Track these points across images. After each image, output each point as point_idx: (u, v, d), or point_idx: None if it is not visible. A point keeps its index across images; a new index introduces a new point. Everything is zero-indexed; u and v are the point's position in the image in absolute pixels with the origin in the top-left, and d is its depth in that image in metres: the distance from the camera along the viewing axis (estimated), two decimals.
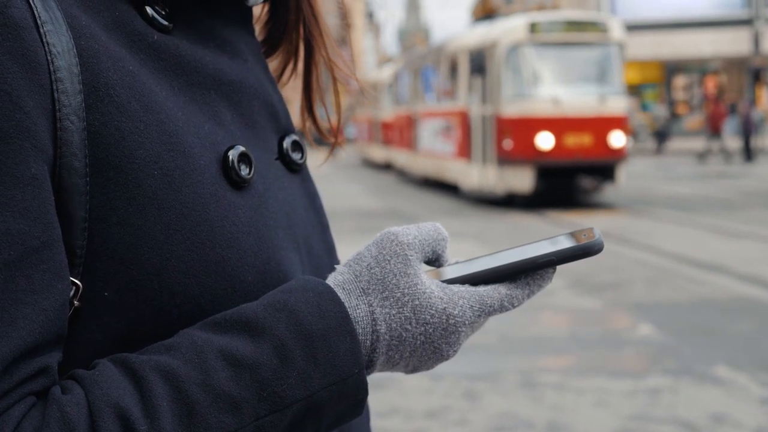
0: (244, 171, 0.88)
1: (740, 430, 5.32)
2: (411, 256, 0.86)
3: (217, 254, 0.83)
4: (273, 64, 1.10)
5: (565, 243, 0.87)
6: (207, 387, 0.76)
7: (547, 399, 5.90)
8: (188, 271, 0.82)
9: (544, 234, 12.73)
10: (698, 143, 33.69)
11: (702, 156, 31.25)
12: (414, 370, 0.89)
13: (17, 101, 0.74)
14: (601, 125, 17.45)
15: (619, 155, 17.69)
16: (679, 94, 40.97)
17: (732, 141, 32.52)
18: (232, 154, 0.88)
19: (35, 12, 0.77)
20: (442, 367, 6.01)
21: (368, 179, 27.94)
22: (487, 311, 0.87)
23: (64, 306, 0.76)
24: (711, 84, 40.10)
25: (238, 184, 0.87)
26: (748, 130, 30.93)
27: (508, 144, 17.51)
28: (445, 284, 0.87)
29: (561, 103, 17.24)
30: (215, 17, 0.96)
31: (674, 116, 39.55)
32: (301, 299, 0.82)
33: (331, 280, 0.86)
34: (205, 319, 0.81)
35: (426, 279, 0.86)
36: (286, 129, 1.01)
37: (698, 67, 40.56)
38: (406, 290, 0.85)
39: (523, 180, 17.43)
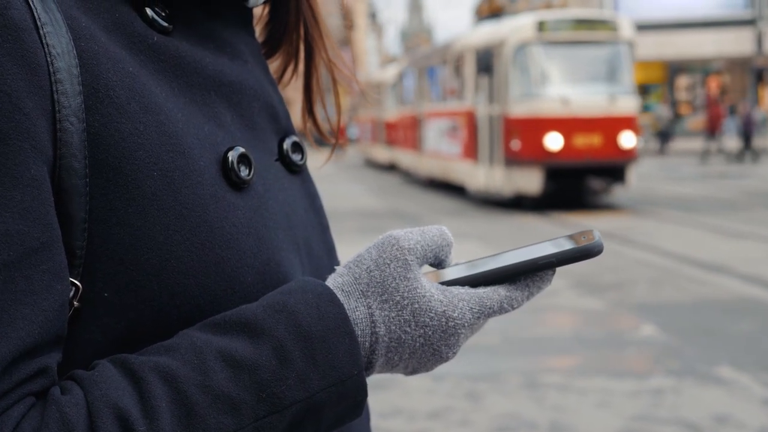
0: (244, 172, 0.88)
1: (743, 430, 5.31)
2: (411, 261, 0.86)
3: (216, 255, 0.83)
4: (274, 65, 1.10)
5: (564, 245, 0.88)
6: (206, 388, 0.76)
7: (549, 399, 5.90)
8: (188, 271, 0.82)
9: (547, 235, 12.72)
10: (701, 144, 33.67)
11: (704, 156, 31.24)
12: (413, 371, 0.89)
13: (17, 102, 0.74)
14: (611, 125, 17.18)
15: (629, 156, 17.43)
16: (681, 95, 40.94)
17: (729, 142, 32.49)
18: (232, 155, 0.88)
19: (35, 14, 0.77)
20: (444, 368, 6.01)
21: (371, 180, 27.91)
22: (486, 313, 0.87)
23: (64, 307, 0.76)
24: (714, 84, 40.08)
25: (237, 185, 0.88)
26: (748, 131, 30.89)
27: (515, 144, 17.27)
28: (444, 286, 0.87)
29: (570, 102, 16.98)
30: (215, 19, 0.96)
31: (677, 116, 39.51)
32: (300, 300, 0.82)
33: (331, 281, 0.86)
34: (204, 320, 0.82)
35: (426, 282, 0.86)
36: (287, 130, 1.02)
37: (701, 68, 40.52)
38: (405, 294, 0.85)
39: (531, 181, 17.18)
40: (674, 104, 40.09)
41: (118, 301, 0.80)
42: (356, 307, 0.84)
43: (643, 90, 37.89)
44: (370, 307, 0.84)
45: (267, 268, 0.88)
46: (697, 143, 34.66)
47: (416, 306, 0.85)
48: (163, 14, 0.90)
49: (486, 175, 18.43)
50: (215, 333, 0.80)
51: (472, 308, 0.86)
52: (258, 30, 1.08)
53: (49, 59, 0.77)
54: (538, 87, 17.35)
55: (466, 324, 0.86)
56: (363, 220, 15.65)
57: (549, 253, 0.87)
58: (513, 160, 17.34)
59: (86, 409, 0.73)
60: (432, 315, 0.85)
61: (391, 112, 30.32)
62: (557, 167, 17.19)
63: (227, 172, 0.87)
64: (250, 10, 1.01)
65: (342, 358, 0.81)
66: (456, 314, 0.85)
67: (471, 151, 19.22)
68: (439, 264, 0.90)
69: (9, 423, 0.71)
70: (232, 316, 0.81)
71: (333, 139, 1.12)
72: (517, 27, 17.99)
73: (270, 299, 0.82)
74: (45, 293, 0.74)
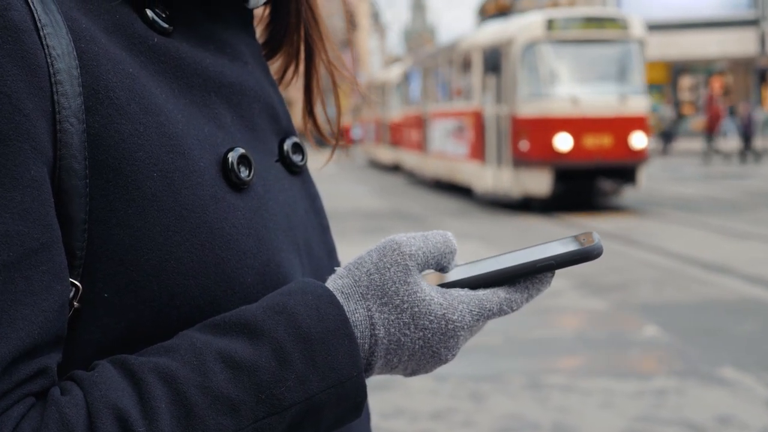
0: (244, 173, 0.88)
1: (746, 431, 5.31)
2: (412, 266, 0.86)
3: (216, 256, 0.84)
4: (275, 66, 1.10)
5: (564, 247, 0.88)
6: (205, 389, 0.76)
7: (553, 400, 5.89)
8: (187, 272, 0.82)
9: (551, 237, 12.71)
10: (702, 144, 33.67)
11: (705, 157, 31.22)
12: (413, 373, 0.89)
13: (17, 103, 0.74)
14: (621, 125, 16.85)
15: (640, 157, 17.10)
16: (685, 95, 40.92)
17: (731, 142, 32.46)
18: (232, 156, 0.88)
19: (35, 15, 0.77)
20: (447, 369, 6.01)
21: (374, 180, 27.88)
22: (486, 315, 0.87)
23: (64, 307, 0.76)
24: (717, 84, 40.05)
25: (237, 186, 0.88)
26: (749, 132, 30.85)
27: (524, 145, 16.97)
28: (444, 289, 0.87)
29: (580, 102, 16.68)
30: (216, 20, 0.96)
31: (680, 117, 39.50)
32: (300, 302, 0.82)
33: (331, 283, 0.86)
34: (204, 321, 0.82)
35: (425, 286, 0.86)
36: (287, 131, 1.02)
37: (704, 68, 40.50)
38: (405, 297, 0.85)
39: (540, 182, 16.85)
40: (677, 105, 40.07)
41: (118, 301, 0.80)
42: (356, 310, 0.84)
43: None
44: (369, 310, 0.84)
45: (267, 269, 0.88)
46: (700, 143, 34.65)
47: (416, 309, 0.85)
48: (164, 15, 0.90)
49: (494, 177, 18.15)
50: (215, 334, 0.80)
51: (471, 310, 0.86)
52: (259, 31, 1.08)
53: (49, 60, 0.77)
54: (547, 86, 17.04)
55: (465, 326, 0.86)
56: (365, 221, 15.65)
57: (548, 256, 0.87)
58: (521, 161, 17.02)
59: (86, 410, 0.73)
60: (431, 318, 0.85)
61: (396, 112, 30.13)
62: (567, 168, 16.86)
63: (227, 173, 0.87)
64: (250, 12, 1.01)
65: (341, 359, 0.81)
66: (456, 317, 0.86)
67: (478, 151, 18.93)
68: (440, 270, 0.90)
69: (9, 423, 0.71)
70: (232, 317, 0.81)
71: (333, 139, 1.13)
72: (525, 25, 17.68)
73: (270, 300, 0.83)
74: (45, 294, 0.74)
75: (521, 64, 17.06)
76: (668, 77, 40.16)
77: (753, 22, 38.68)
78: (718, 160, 31.14)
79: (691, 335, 7.56)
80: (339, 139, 1.12)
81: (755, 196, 19.25)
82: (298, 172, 1.01)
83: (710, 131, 31.47)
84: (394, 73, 32.74)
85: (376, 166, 35.19)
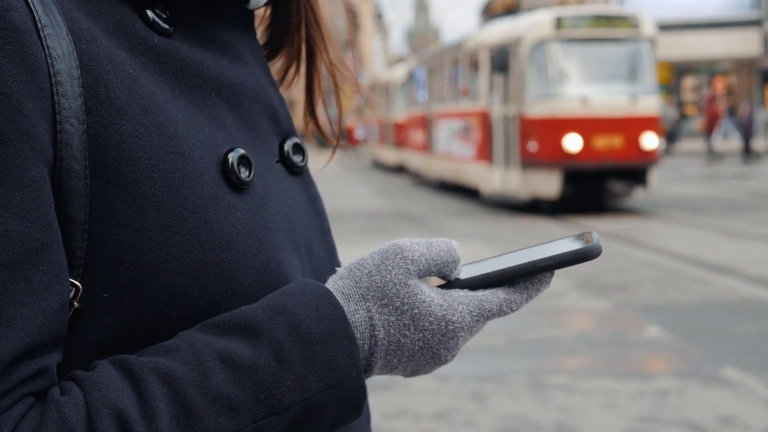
0: (244, 173, 0.89)
1: (748, 431, 5.31)
2: (413, 271, 0.86)
3: (216, 256, 0.84)
4: (276, 66, 1.10)
5: (563, 247, 0.88)
6: (205, 389, 0.76)
7: (554, 400, 5.89)
8: (187, 272, 0.82)
9: (554, 238, 12.69)
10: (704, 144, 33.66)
11: (708, 157, 31.20)
12: (412, 374, 0.89)
13: (17, 104, 0.74)
14: (632, 126, 16.43)
15: (651, 158, 16.70)
16: (688, 95, 40.89)
17: (726, 143, 32.42)
18: (232, 157, 0.88)
19: (35, 16, 0.78)
20: (449, 369, 6.01)
21: (378, 181, 27.83)
22: (485, 316, 0.87)
23: (63, 307, 0.76)
24: (720, 85, 40.03)
25: (237, 186, 0.88)
26: (749, 132, 30.80)
27: (533, 146, 16.52)
28: (444, 290, 0.87)
29: (590, 102, 16.27)
30: (216, 21, 0.96)
31: (683, 117, 39.46)
32: (299, 302, 0.82)
33: (331, 284, 0.87)
34: (204, 321, 0.82)
35: (425, 287, 0.86)
36: (288, 132, 1.02)
37: (707, 68, 40.47)
38: (405, 299, 0.85)
39: (549, 184, 16.45)
40: (680, 105, 40.03)
41: (118, 301, 0.80)
42: (356, 310, 0.84)
43: None
44: (369, 311, 0.85)
45: (267, 269, 0.88)
46: (703, 144, 34.63)
47: (416, 311, 0.85)
48: (164, 16, 0.90)
49: (501, 178, 17.79)
50: (215, 334, 0.80)
51: (471, 311, 0.87)
52: (260, 32, 1.08)
53: (49, 61, 0.77)
54: (557, 86, 16.59)
55: (465, 327, 0.86)
56: (368, 222, 15.65)
57: (547, 256, 0.87)
58: (530, 162, 16.62)
59: (85, 410, 0.73)
60: (431, 319, 0.85)
61: (400, 112, 29.86)
62: (576, 170, 16.46)
63: (227, 173, 0.87)
64: (251, 12, 1.01)
65: (341, 360, 0.81)
66: (455, 318, 0.86)
67: (485, 152, 18.58)
68: (442, 278, 0.90)
69: (8, 423, 0.71)
70: (232, 317, 0.81)
71: (335, 140, 1.13)
72: (534, 24, 17.23)
73: (269, 301, 0.83)
74: (44, 294, 0.74)
75: (530, 64, 16.67)
76: (671, 78, 40.12)
77: (756, 23, 38.64)
78: (718, 160, 31.08)
79: (693, 335, 7.56)
80: (340, 139, 1.12)
81: (757, 196, 19.23)
82: (299, 172, 1.01)
83: (710, 132, 31.44)
84: (399, 72, 32.36)
85: (380, 167, 35.06)
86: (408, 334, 0.85)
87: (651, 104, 16.92)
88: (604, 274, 10.19)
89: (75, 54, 0.79)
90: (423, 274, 0.87)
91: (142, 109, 0.82)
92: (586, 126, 16.30)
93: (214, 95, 0.91)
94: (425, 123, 24.50)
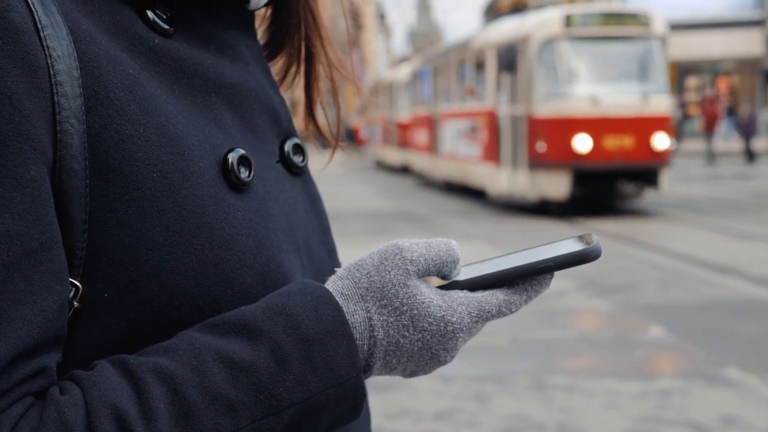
0: (244, 174, 0.89)
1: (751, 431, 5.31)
2: (412, 272, 0.86)
3: (215, 256, 0.84)
4: (276, 66, 1.10)
5: (563, 249, 0.88)
6: (204, 389, 0.76)
7: (557, 401, 5.89)
8: (187, 272, 0.82)
9: (558, 239, 12.70)
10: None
11: (708, 157, 31.17)
12: (412, 374, 0.90)
13: (17, 104, 0.74)
14: (643, 126, 16.02)
15: (662, 158, 16.29)
16: (691, 96, 40.86)
17: (726, 143, 32.37)
18: (232, 157, 0.88)
19: (36, 16, 0.78)
20: (451, 369, 6.01)
21: (381, 182, 27.77)
22: (485, 317, 0.87)
23: (63, 307, 0.76)
24: (723, 85, 40.01)
25: (237, 186, 0.88)
26: (749, 132, 30.75)
27: (541, 146, 16.17)
28: (443, 291, 0.87)
29: (600, 102, 15.88)
30: (216, 21, 0.96)
31: (686, 117, 39.43)
32: (299, 303, 0.82)
33: (330, 285, 0.87)
34: (203, 321, 0.82)
35: (425, 288, 0.86)
36: (288, 132, 1.02)
37: (710, 69, 40.45)
38: (404, 300, 0.85)
39: (558, 185, 16.08)
40: (683, 105, 40.00)
41: (118, 301, 0.80)
42: (355, 311, 0.84)
43: None
44: (368, 311, 0.85)
45: (266, 270, 0.88)
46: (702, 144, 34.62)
47: (415, 312, 0.85)
48: (164, 17, 0.90)
49: (509, 179, 17.45)
50: (214, 334, 0.80)
51: (470, 312, 0.87)
52: (260, 32, 1.08)
53: (49, 61, 0.77)
54: (566, 85, 16.20)
55: (464, 328, 0.87)
56: (370, 222, 15.64)
57: (547, 257, 0.87)
58: (538, 162, 16.27)
59: (84, 410, 0.73)
60: (431, 320, 0.85)
61: (404, 112, 29.60)
62: (586, 170, 16.04)
63: (227, 173, 0.87)
64: (251, 13, 1.01)
65: (340, 360, 0.81)
66: (455, 319, 0.86)
67: (492, 153, 18.24)
68: (441, 278, 0.90)
69: (8, 423, 0.71)
70: (231, 317, 0.81)
71: (334, 140, 1.13)
72: (542, 22, 16.84)
73: (269, 301, 0.83)
74: (44, 293, 0.74)
75: (538, 62, 16.25)
76: (674, 78, 40.06)
77: (759, 23, 38.62)
78: (715, 161, 31.04)
79: (696, 336, 7.56)
80: (339, 140, 1.12)
81: (759, 196, 19.20)
82: (299, 173, 1.01)
83: (709, 132, 31.40)
84: (403, 72, 32.05)
85: (384, 167, 34.97)
86: (407, 335, 0.85)
87: (662, 104, 16.56)
88: (606, 274, 10.18)
89: (75, 54, 0.79)
90: (422, 274, 0.87)
91: (142, 110, 0.83)
92: (596, 126, 15.96)
93: (214, 95, 0.92)
94: (430, 123, 24.23)
